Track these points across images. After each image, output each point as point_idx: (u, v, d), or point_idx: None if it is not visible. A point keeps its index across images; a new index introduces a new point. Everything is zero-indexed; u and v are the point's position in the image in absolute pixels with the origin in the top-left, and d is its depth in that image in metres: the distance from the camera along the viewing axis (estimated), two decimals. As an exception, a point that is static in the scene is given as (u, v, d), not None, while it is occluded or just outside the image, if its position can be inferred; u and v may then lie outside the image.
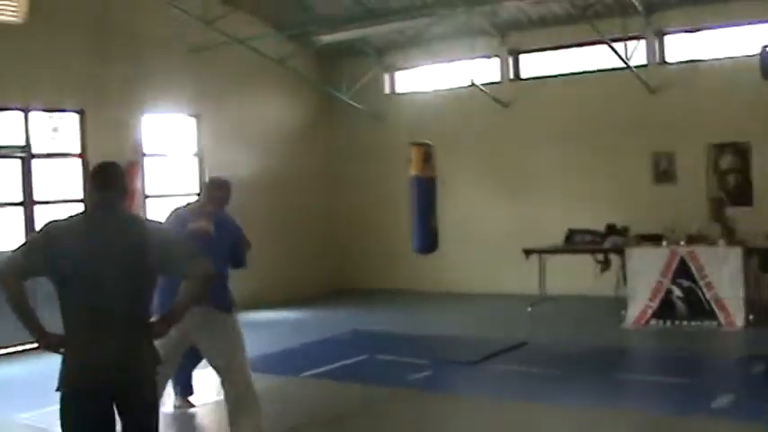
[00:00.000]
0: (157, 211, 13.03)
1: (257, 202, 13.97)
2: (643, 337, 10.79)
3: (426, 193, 12.20)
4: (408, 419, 7.60)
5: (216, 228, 6.20)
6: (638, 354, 10.21)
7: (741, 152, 13.04)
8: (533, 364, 9.35)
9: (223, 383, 6.25)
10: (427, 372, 9.02)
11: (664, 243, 11.50)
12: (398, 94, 16.24)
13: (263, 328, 12.16)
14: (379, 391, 8.41)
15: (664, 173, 13.54)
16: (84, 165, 12.18)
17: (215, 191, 6.58)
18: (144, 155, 13.04)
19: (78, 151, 12.31)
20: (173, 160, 13.76)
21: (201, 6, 12.93)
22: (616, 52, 12.88)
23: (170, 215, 6.42)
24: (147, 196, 12.90)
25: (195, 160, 14.01)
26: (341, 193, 16.35)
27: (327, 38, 13.82)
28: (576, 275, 12.94)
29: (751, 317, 10.75)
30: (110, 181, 4.28)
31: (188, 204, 6.73)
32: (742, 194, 12.89)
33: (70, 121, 12.34)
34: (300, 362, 9.83)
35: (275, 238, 14.30)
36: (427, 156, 12.24)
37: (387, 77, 16.23)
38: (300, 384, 8.83)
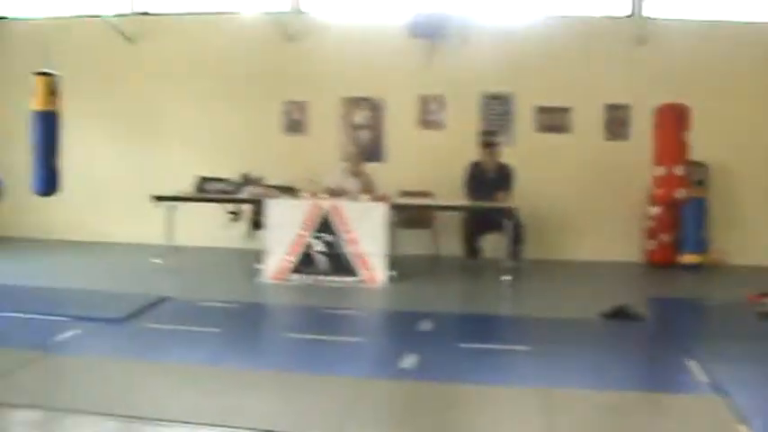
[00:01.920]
0: None
1: None
2: (286, 293, 10.18)
3: (49, 129, 10.82)
4: (70, 384, 6.32)
5: None
6: (291, 310, 9.56)
7: (375, 107, 12.84)
8: (185, 322, 8.37)
9: None
10: (73, 331, 7.69)
11: (304, 195, 10.94)
12: (5, 17, 14.17)
13: None
14: (23, 353, 6.98)
15: (295, 123, 13.01)
16: None
17: None
18: None
19: None
20: None
21: None
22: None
23: None
24: None
25: None
26: None
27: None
28: (204, 226, 12.04)
29: (393, 273, 10.49)
30: None
31: None
32: (375, 150, 12.70)
33: None
34: None
35: None
36: (53, 88, 10.82)
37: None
38: None
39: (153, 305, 8.97)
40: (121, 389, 6.17)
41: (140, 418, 5.49)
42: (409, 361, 6.99)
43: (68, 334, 7.58)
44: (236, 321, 8.73)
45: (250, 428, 5.33)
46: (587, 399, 6.10)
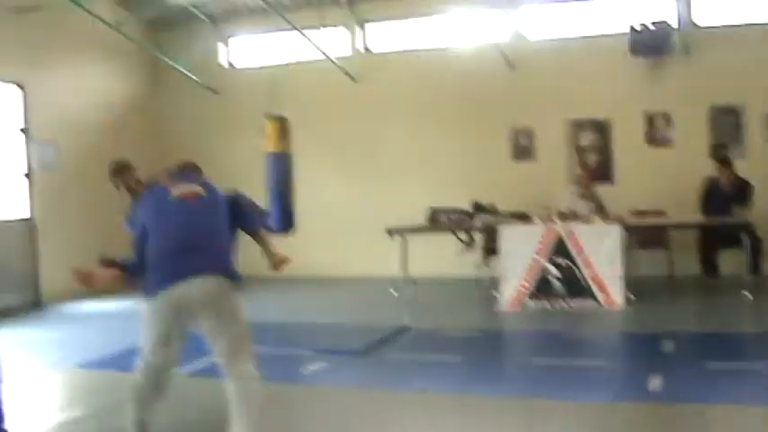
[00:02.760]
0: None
1: (91, 182, 12.76)
2: (525, 319, 10.26)
3: (282, 169, 11.39)
4: (322, 416, 6.62)
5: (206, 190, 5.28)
6: (532, 336, 9.61)
7: (601, 129, 12.78)
8: (426, 351, 8.60)
9: (228, 375, 5.15)
10: (319, 364, 8.04)
11: (536, 220, 11.01)
12: (236, 66, 15.09)
13: (105, 320, 10.86)
14: (275, 387, 7.37)
15: (523, 149, 13.12)
16: None
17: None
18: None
19: None
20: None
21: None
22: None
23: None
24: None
25: (20, 135, 12.41)
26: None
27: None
28: (437, 256, 12.32)
29: (630, 295, 10.39)
30: None
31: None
32: (603, 172, 12.62)
33: None
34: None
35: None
36: (283, 130, 11.40)
37: (223, 48, 15.06)
38: (181, 382, 7.63)
39: (394, 336, 9.26)
40: (369, 419, 6.43)
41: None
42: (655, 383, 6.92)
43: (315, 367, 7.91)
44: (477, 349, 8.89)
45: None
46: None
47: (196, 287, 4.91)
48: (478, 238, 12.07)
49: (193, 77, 14.29)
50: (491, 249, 11.77)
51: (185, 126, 14.86)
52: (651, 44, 12.23)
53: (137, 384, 5.22)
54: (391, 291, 11.75)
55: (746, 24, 12.14)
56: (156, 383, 5.18)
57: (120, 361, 7.86)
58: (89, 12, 12.20)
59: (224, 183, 13.23)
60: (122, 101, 14.45)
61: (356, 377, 7.78)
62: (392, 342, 9.04)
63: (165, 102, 15.06)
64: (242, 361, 5.08)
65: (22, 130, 12.38)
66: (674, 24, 12.32)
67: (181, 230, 5.08)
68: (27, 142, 12.41)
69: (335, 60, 13.64)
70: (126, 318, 10.64)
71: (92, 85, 13.72)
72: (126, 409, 5.28)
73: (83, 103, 13.44)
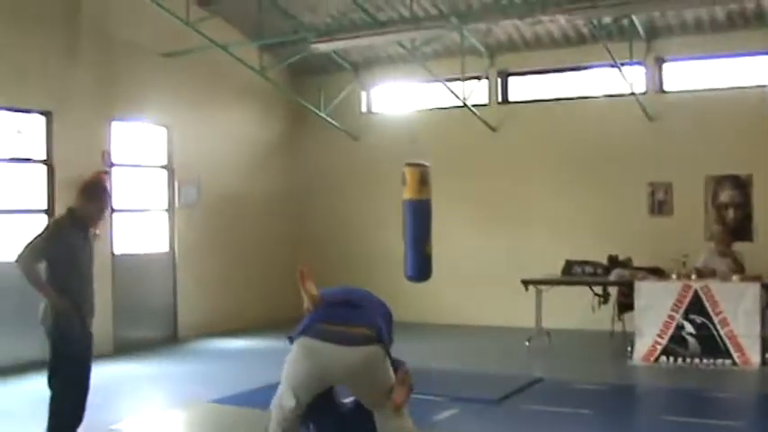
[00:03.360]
0: (123, 224, 12.14)
1: (229, 220, 13.28)
2: (658, 375, 10.21)
3: (422, 217, 11.53)
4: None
5: None
6: (665, 392, 9.52)
7: (741, 185, 12.63)
8: (558, 403, 8.65)
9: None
10: (451, 411, 8.16)
11: (673, 276, 10.94)
12: (376, 113, 15.49)
13: (237, 358, 11.26)
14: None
15: (660, 204, 13.05)
16: (49, 171, 11.18)
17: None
18: (112, 164, 12.01)
19: (44, 157, 11.27)
20: (141, 171, 12.77)
21: (181, 8, 12.01)
22: (622, 74, 12.38)
23: None
24: (113, 210, 11.82)
25: (164, 172, 13.02)
26: (311, 214, 15.45)
27: (320, 46, 12.89)
28: (571, 309, 12.33)
29: (767, 355, 10.21)
30: None
31: None
32: (742, 229, 12.45)
33: (35, 123, 11.31)
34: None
35: (253, 257, 13.59)
36: (423, 177, 11.57)
37: (364, 95, 15.49)
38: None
39: (527, 386, 9.34)
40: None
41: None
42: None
43: (447, 414, 8.02)
44: (609, 403, 8.94)
45: None
46: None
47: None
48: (613, 292, 12.01)
49: (333, 122, 14.71)
50: (626, 304, 11.72)
51: (323, 170, 15.26)
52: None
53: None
54: (525, 343, 11.79)
55: None
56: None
57: (253, 398, 8.15)
58: (235, 57, 12.76)
59: (360, 227, 13.71)
60: (263, 142, 14.97)
61: (488, 426, 7.90)
62: (525, 393, 9.11)
63: (305, 146, 15.53)
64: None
65: (164, 167, 12.94)
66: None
67: None
68: (170, 179, 12.95)
69: (474, 109, 13.85)
70: (260, 355, 10.95)
71: (234, 127, 14.31)
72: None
73: (225, 143, 14.02)
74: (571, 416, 8.19)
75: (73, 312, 6.42)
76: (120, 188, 12.17)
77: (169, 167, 13.06)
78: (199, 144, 13.37)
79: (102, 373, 9.85)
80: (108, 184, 7.33)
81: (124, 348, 11.63)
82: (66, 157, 11.23)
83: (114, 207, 11.77)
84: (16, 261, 6.37)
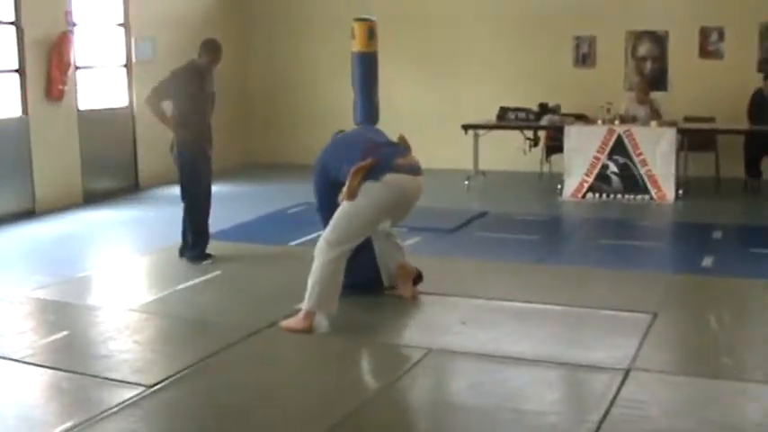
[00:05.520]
0: (87, 82, 12.72)
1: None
2: (587, 208, 11.56)
3: (369, 68, 12.55)
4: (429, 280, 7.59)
5: None
6: (596, 222, 10.89)
7: (658, 40, 13.93)
8: (506, 231, 10.03)
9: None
10: (414, 239, 9.22)
11: (599, 122, 12.27)
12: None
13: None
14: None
15: (585, 56, 14.30)
16: (18, 32, 11.65)
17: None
18: (74, 24, 12.47)
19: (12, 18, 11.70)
20: (101, 30, 13.31)
21: None
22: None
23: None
24: (77, 67, 12.44)
25: (121, 30, 13.57)
26: (259, 68, 16.15)
27: None
28: (504, 152, 13.59)
29: (680, 191, 11.72)
30: None
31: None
32: (658, 80, 13.82)
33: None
34: (276, 233, 9.99)
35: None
36: (371, 31, 12.55)
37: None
38: (296, 255, 8.41)
39: (475, 218, 10.69)
40: (474, 280, 7.85)
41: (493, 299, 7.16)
42: (708, 261, 8.35)
43: (411, 241, 9.00)
44: (549, 230, 10.48)
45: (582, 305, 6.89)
46: None
47: None
48: (543, 136, 13.33)
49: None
50: (554, 147, 13.10)
51: (273, 23, 15.92)
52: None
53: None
54: (465, 182, 13.03)
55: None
56: None
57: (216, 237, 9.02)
58: None
59: (310, 81, 14.47)
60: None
61: (449, 249, 9.20)
62: (474, 223, 10.46)
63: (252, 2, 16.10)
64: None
65: (121, 24, 13.50)
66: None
67: None
68: (127, 37, 13.51)
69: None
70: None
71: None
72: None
73: (178, 1, 14.53)
74: (519, 241, 9.59)
75: (193, 141, 8.23)
76: (82, 46, 12.64)
77: (126, 25, 13.58)
78: (154, 2, 13.86)
79: (75, 221, 10.96)
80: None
81: (92, 198, 12.32)
82: (32, 19, 11.53)
83: (77, 65, 12.38)
84: (145, 102, 8.33)
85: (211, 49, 8.35)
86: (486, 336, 6.18)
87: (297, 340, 6.24)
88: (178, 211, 8.61)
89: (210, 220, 8.64)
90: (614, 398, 5.03)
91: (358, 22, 12.50)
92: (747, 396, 5.17)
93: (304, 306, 6.32)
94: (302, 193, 11.40)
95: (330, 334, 6.40)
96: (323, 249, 6.35)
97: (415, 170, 6.53)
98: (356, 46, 12.52)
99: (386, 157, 6.47)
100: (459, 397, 5.23)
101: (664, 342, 6.18)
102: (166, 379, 5.41)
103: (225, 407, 5.07)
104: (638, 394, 5.12)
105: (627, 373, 5.39)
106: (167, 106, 8.34)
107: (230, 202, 11.34)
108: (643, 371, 5.45)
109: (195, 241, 8.40)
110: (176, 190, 8.64)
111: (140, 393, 5.19)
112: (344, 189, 6.39)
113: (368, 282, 7.11)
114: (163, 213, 10.99)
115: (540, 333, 6.28)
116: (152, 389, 5.26)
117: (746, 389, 5.23)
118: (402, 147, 6.76)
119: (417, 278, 7.21)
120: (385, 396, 5.27)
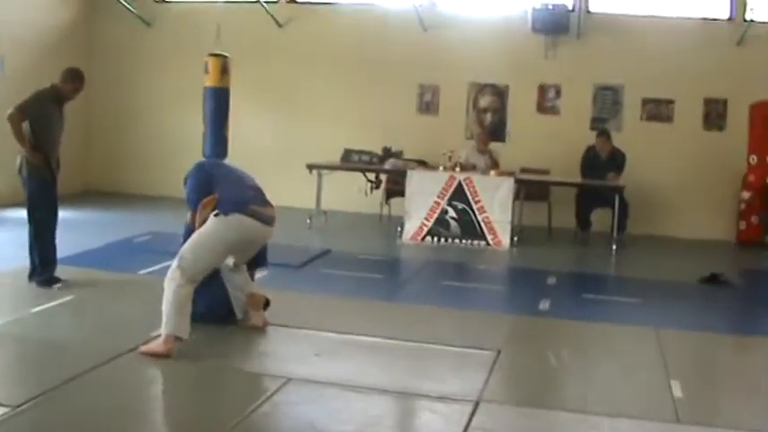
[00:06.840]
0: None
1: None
2: (426, 251, 11.82)
3: (221, 102, 12.64)
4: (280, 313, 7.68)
5: None
6: (436, 264, 11.16)
7: (498, 93, 14.51)
8: (350, 269, 10.18)
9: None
10: (262, 273, 9.20)
11: (441, 168, 12.63)
12: (170, 0, 15.96)
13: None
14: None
15: (428, 104, 14.74)
16: None
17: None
18: None
19: None
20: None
21: None
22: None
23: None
24: None
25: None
26: (102, 98, 15.81)
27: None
28: (346, 193, 13.80)
29: (515, 238, 12.19)
30: None
31: None
32: (497, 131, 14.38)
33: None
34: (124, 261, 9.86)
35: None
36: (224, 67, 12.65)
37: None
38: (146, 284, 8.35)
39: (320, 255, 10.81)
40: (324, 314, 7.96)
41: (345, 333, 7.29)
42: (545, 304, 8.73)
43: (259, 275, 8.96)
44: (393, 270, 10.71)
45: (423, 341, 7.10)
46: (689, 337, 7.80)
47: None
48: (384, 179, 13.62)
49: (128, 7, 15.21)
50: (394, 191, 13.43)
51: (119, 56, 15.72)
52: (549, 23, 13.95)
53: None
54: (307, 220, 13.12)
55: (634, 15, 13.98)
56: None
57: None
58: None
59: (158, 112, 14.41)
60: (58, 27, 15.13)
61: (297, 284, 9.27)
62: (320, 260, 10.59)
63: (100, 30, 15.83)
64: None
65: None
66: (571, 8, 14.06)
67: None
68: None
69: (266, 5, 14.82)
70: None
71: (32, 11, 14.38)
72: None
73: (24, 27, 14.08)
74: (364, 279, 9.76)
75: (45, 165, 8.15)
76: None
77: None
78: (3, 22, 13.46)
79: None
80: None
81: None
82: None
83: None
84: (8, 118, 8.07)
85: (76, 77, 8.41)
86: (340, 367, 6.33)
87: (157, 366, 6.20)
88: (25, 233, 8.40)
89: (56, 244, 8.46)
90: (467, 426, 5.25)
91: (212, 57, 12.61)
92: (588, 425, 5.47)
93: (163, 331, 6.30)
94: (147, 222, 11.29)
95: (190, 361, 6.36)
96: (174, 276, 6.43)
97: (267, 220, 6.85)
98: (209, 81, 12.62)
99: (245, 198, 6.77)
100: (321, 424, 5.29)
101: (508, 376, 6.47)
102: (31, 400, 5.29)
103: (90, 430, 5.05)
104: (488, 423, 5.38)
105: (476, 404, 5.63)
106: (25, 126, 8.15)
107: (74, 228, 11.03)
108: (491, 402, 5.72)
109: (44, 265, 8.27)
110: (23, 212, 8.42)
111: (5, 414, 5.08)
112: (196, 218, 6.72)
113: (221, 312, 7.19)
114: (10, 235, 10.62)
115: (394, 366, 6.48)
116: (17, 409, 5.15)
117: (587, 419, 5.52)
118: (264, 197, 7.02)
119: (266, 304, 7.29)
120: (250, 423, 5.30)
